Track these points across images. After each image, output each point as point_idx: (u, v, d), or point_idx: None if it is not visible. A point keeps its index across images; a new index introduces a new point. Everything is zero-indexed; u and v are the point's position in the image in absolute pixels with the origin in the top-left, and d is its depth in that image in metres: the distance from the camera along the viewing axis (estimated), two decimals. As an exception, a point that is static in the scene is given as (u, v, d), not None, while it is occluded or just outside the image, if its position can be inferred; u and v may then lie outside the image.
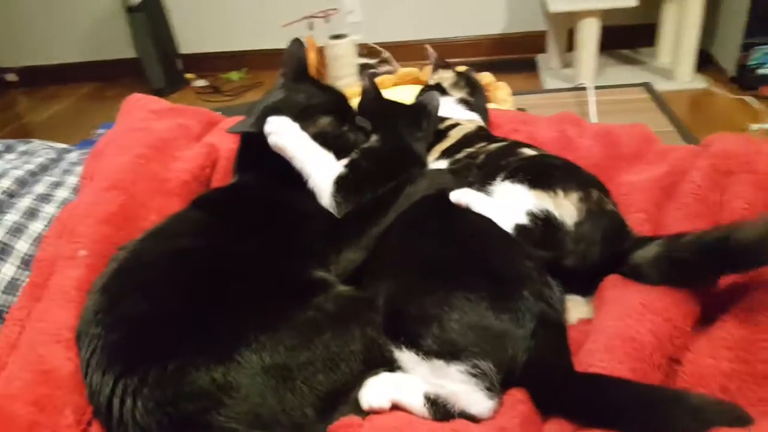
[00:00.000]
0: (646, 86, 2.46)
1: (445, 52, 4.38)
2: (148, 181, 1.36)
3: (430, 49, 1.78)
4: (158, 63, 4.44)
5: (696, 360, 0.94)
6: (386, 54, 3.40)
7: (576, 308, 1.13)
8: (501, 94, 2.22)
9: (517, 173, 1.20)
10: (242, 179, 1.36)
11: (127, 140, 1.47)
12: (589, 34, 3.54)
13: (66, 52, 4.99)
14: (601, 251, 1.11)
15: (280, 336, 0.96)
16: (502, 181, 1.21)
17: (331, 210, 1.24)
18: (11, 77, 5.14)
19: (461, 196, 1.17)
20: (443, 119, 1.50)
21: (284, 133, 1.24)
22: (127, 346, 0.96)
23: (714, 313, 1.00)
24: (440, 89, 1.61)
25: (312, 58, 2.95)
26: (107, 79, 4.91)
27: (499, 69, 4.21)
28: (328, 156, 1.27)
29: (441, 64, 1.69)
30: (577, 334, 1.03)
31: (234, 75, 4.52)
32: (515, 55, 4.45)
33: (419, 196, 1.23)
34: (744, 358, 0.92)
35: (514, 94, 2.36)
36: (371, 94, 1.44)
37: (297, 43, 1.45)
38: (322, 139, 1.29)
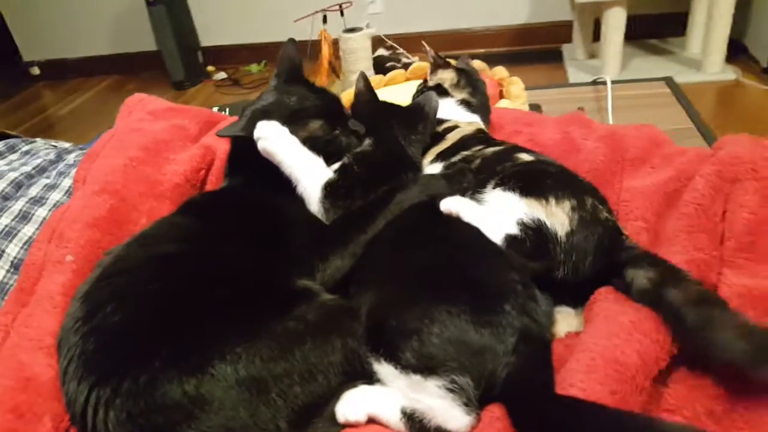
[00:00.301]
0: (667, 81, 2.38)
1: (467, 43, 4.39)
2: (140, 184, 1.35)
3: (427, 47, 1.72)
4: (179, 56, 4.44)
5: (683, 380, 0.91)
6: (400, 50, 3.36)
7: (565, 320, 1.10)
8: (514, 90, 2.17)
9: (509, 180, 1.16)
10: (231, 183, 1.35)
11: (122, 142, 1.46)
12: (615, 23, 3.44)
13: (88, 46, 5.04)
14: (594, 263, 1.07)
15: (257, 347, 0.94)
16: (494, 188, 1.17)
17: (320, 216, 1.22)
18: (34, 71, 5.21)
19: (451, 204, 1.14)
20: (442, 121, 1.46)
21: (273, 139, 1.22)
22: (103, 355, 0.95)
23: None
24: (441, 90, 1.56)
25: (326, 51, 2.92)
26: (129, 72, 4.96)
27: (522, 60, 4.19)
28: (317, 161, 1.25)
29: (440, 63, 1.64)
30: (563, 349, 1.00)
31: (254, 67, 4.51)
32: (539, 46, 4.36)
33: (410, 204, 1.20)
34: (732, 381, 0.88)
35: (529, 88, 2.31)
36: (365, 96, 1.40)
37: (291, 44, 1.43)
38: (313, 143, 1.27)
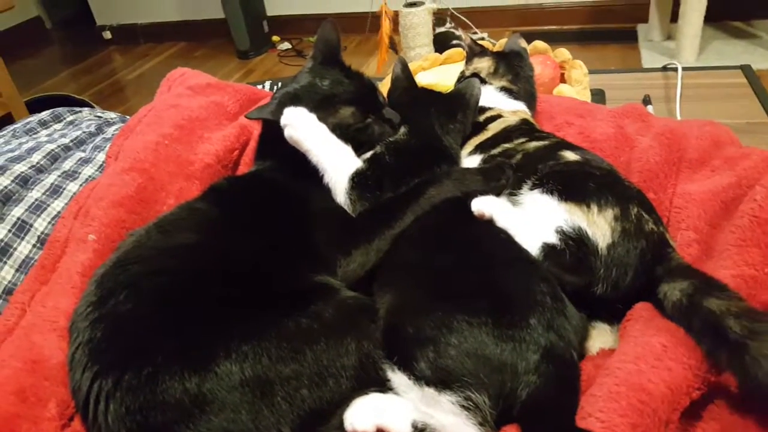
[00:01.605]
0: (744, 69, 2.19)
1: (536, 19, 4.24)
2: (170, 163, 1.33)
3: (463, 34, 1.63)
4: (244, 25, 4.44)
5: (719, 417, 0.84)
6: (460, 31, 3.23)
7: (600, 337, 1.02)
8: (575, 74, 2.05)
9: (548, 181, 1.07)
10: (259, 168, 1.31)
11: (157, 118, 1.44)
12: (695, 3, 3.24)
13: (158, 12, 5.12)
14: (634, 278, 0.99)
15: (265, 346, 0.91)
16: (531, 189, 1.09)
17: (346, 208, 1.17)
18: (106, 35, 5.34)
19: (484, 206, 1.06)
20: (484, 110, 1.37)
21: (300, 126, 1.17)
22: (108, 345, 0.93)
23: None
24: (479, 79, 1.46)
25: (386, 26, 2.84)
26: (196, 39, 5.02)
27: (594, 39, 4.01)
28: (346, 150, 1.19)
29: (476, 51, 1.54)
30: (592, 369, 0.93)
31: (317, 38, 4.48)
32: (614, 25, 4.17)
33: (441, 199, 1.13)
34: None
35: (594, 72, 2.18)
36: (402, 82, 1.34)
37: (329, 25, 1.36)
38: (344, 130, 1.22)
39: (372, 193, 1.16)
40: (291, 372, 0.90)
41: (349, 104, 1.26)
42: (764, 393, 0.78)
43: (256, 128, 1.48)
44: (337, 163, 1.18)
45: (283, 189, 1.20)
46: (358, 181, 1.16)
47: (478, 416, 0.84)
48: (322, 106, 1.22)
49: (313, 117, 1.18)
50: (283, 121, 1.17)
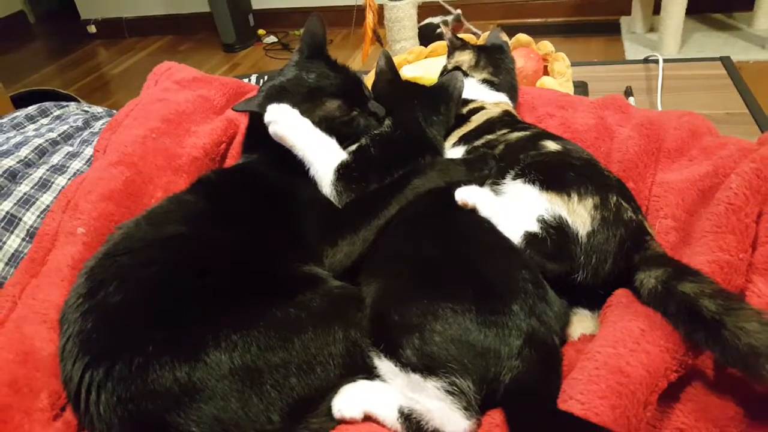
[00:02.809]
0: (724, 60, 2.23)
1: (521, 12, 4.25)
2: (158, 156, 1.34)
3: (445, 29, 1.65)
4: (230, 18, 4.43)
5: (697, 398, 0.86)
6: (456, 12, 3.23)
7: (581, 323, 1.04)
8: (558, 67, 2.07)
9: (530, 171, 1.10)
10: (246, 161, 1.32)
11: (144, 112, 1.44)
12: (677, -5, 3.27)
13: (143, 5, 5.09)
14: (614, 266, 1.01)
15: (254, 335, 0.92)
16: (513, 179, 1.11)
17: (332, 199, 1.19)
18: (91, 29, 5.30)
19: (467, 196, 1.09)
20: (468, 101, 1.39)
21: (284, 122, 1.19)
22: (99, 336, 0.94)
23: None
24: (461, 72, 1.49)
25: (370, 19, 2.85)
26: (182, 33, 5.00)
27: (578, 31, 4.04)
28: (330, 143, 1.21)
29: (457, 45, 1.56)
30: (574, 354, 0.95)
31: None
32: (597, 17, 4.20)
33: (426, 189, 1.15)
34: (752, 397, 0.84)
35: (577, 64, 2.21)
36: (386, 75, 1.35)
37: (316, 19, 1.38)
38: (329, 123, 1.24)
39: (357, 185, 1.17)
40: (279, 360, 0.91)
41: (335, 97, 1.27)
42: (746, 363, 0.80)
43: (242, 121, 1.49)
44: (321, 156, 1.19)
45: (270, 181, 1.22)
46: (343, 173, 1.18)
47: (463, 401, 0.86)
48: (308, 99, 1.24)
49: (296, 113, 1.20)
50: (267, 118, 1.19)
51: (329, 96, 1.27)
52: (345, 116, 1.27)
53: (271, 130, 1.19)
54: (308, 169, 1.20)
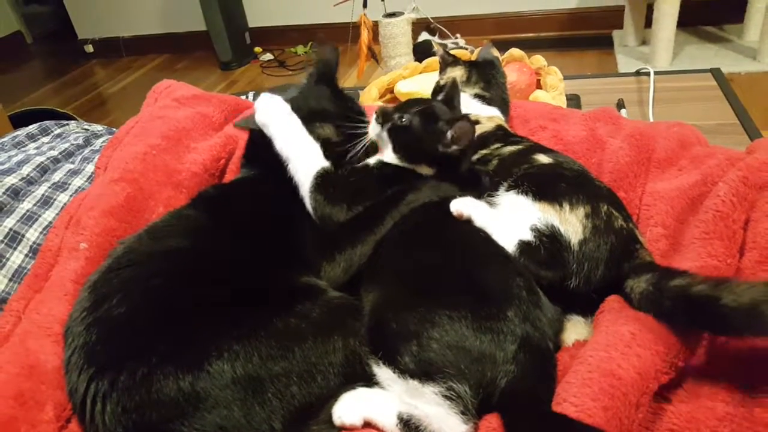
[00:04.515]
0: (714, 72, 2.27)
1: (514, 27, 4.31)
2: (158, 172, 1.36)
3: (436, 46, 1.69)
4: (226, 36, 4.48)
5: (688, 400, 0.88)
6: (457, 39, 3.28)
7: (574, 328, 1.06)
8: (550, 80, 2.11)
9: (523, 183, 1.12)
10: (246, 175, 1.35)
11: (144, 129, 1.47)
12: (668, 9, 3.32)
13: (140, 24, 5.13)
14: (605, 273, 1.04)
15: (255, 345, 0.94)
16: (507, 191, 1.14)
17: (309, 208, 1.19)
18: (88, 48, 5.34)
19: (462, 206, 1.11)
20: (463, 116, 1.42)
21: (271, 111, 1.22)
22: (103, 348, 0.96)
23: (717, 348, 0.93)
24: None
25: (365, 36, 2.89)
26: (179, 51, 5.03)
27: (571, 46, 4.09)
28: (315, 146, 1.22)
29: (449, 61, 1.59)
30: (568, 359, 0.97)
31: (300, 49, 4.53)
32: (590, 31, 4.25)
33: (420, 204, 1.17)
34: (741, 401, 0.85)
35: (569, 78, 2.24)
36: None
37: (331, 48, 1.42)
38: (325, 146, 1.25)
39: (339, 197, 1.17)
40: (281, 369, 0.93)
41: (331, 122, 1.30)
42: (751, 319, 0.82)
43: (241, 137, 1.51)
44: (303, 157, 1.21)
45: (269, 195, 1.24)
46: (322, 181, 1.18)
47: (460, 405, 0.87)
48: (307, 120, 1.26)
49: (286, 106, 1.22)
50: (256, 104, 1.22)
51: (326, 120, 1.30)
52: (340, 142, 1.29)
53: (257, 117, 1.22)
54: (287, 166, 1.21)
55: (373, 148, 1.28)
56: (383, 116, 1.24)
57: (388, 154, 1.24)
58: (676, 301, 0.91)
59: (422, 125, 1.21)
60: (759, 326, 0.83)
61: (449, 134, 1.18)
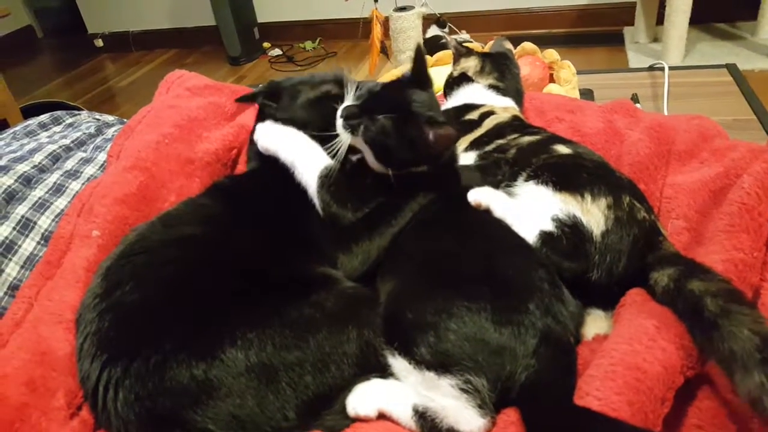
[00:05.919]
0: (730, 68, 2.24)
1: (525, 23, 4.28)
2: (171, 161, 1.35)
3: (448, 37, 1.67)
4: (235, 31, 4.47)
5: (712, 396, 0.86)
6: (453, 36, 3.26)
7: (595, 323, 1.04)
8: (564, 74, 2.09)
9: (543, 173, 1.10)
10: (258, 166, 1.33)
11: (157, 118, 1.46)
12: (680, 5, 3.29)
13: (149, 19, 5.13)
14: (627, 265, 1.02)
15: (270, 333, 0.93)
16: (526, 181, 1.12)
17: (318, 209, 1.16)
18: (98, 42, 5.35)
19: (481, 196, 1.09)
20: (477, 106, 1.40)
21: (270, 137, 1.24)
22: (116, 335, 0.95)
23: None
24: (466, 78, 1.50)
25: (376, 31, 2.88)
26: (188, 46, 5.03)
27: (582, 42, 4.06)
28: (316, 147, 1.20)
29: (462, 52, 1.57)
30: (589, 353, 0.95)
31: (308, 44, 4.52)
32: (601, 28, 4.22)
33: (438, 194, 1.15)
34: None
35: (582, 72, 2.22)
36: None
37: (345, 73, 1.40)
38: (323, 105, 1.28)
39: (342, 193, 1.14)
40: (295, 359, 0.92)
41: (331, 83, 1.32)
42: (725, 367, 0.80)
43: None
44: (307, 161, 1.19)
45: (282, 184, 1.22)
46: (326, 180, 1.16)
47: (477, 399, 0.85)
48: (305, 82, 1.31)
49: (279, 126, 1.25)
50: (255, 136, 1.25)
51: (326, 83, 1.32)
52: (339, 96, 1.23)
53: (260, 146, 1.24)
54: (294, 173, 1.20)
55: None
56: (350, 117, 1.13)
57: (371, 161, 1.15)
58: (686, 305, 0.89)
59: (398, 132, 1.10)
60: (729, 379, 0.81)
61: (431, 136, 1.08)
